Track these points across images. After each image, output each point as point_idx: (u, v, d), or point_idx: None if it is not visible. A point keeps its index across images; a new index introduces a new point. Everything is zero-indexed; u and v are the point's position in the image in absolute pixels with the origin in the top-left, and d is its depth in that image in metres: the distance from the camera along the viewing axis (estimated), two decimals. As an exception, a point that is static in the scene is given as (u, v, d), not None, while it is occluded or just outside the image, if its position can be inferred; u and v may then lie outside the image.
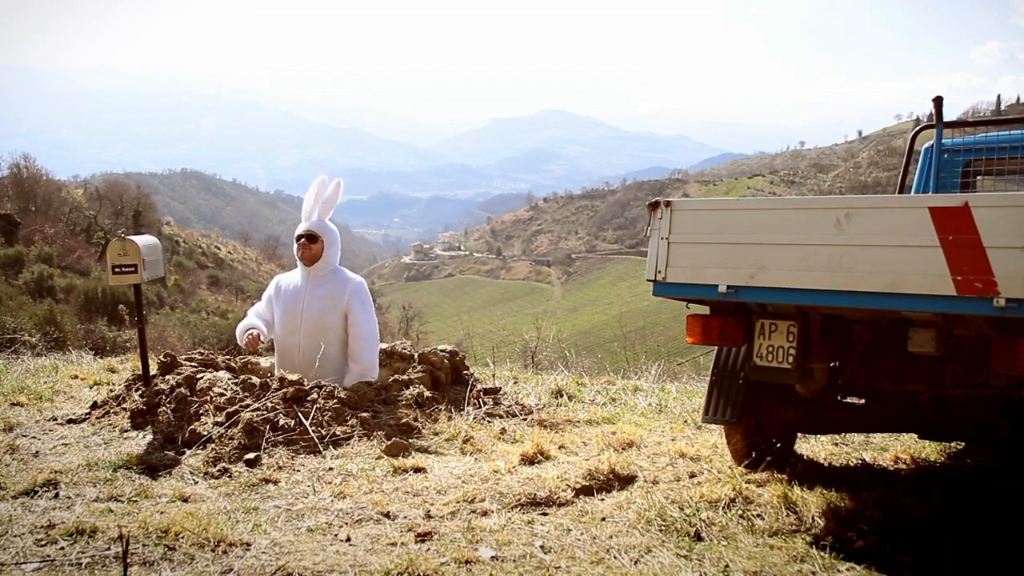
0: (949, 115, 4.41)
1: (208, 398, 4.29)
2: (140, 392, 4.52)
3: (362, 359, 4.75)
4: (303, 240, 4.82)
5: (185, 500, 3.28)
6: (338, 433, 4.07)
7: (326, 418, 4.14)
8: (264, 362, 5.07)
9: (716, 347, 3.72)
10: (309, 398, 4.27)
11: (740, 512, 3.08)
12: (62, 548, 2.68)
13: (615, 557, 2.72)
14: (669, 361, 8.79)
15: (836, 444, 4.38)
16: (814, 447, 4.29)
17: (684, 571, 2.61)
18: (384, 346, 5.28)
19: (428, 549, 2.76)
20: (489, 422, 4.56)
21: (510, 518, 3.12)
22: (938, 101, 4.18)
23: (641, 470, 3.71)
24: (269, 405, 4.18)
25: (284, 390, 4.30)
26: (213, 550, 2.68)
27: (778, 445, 3.89)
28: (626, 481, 3.56)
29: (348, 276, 4.92)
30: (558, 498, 3.33)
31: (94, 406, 4.64)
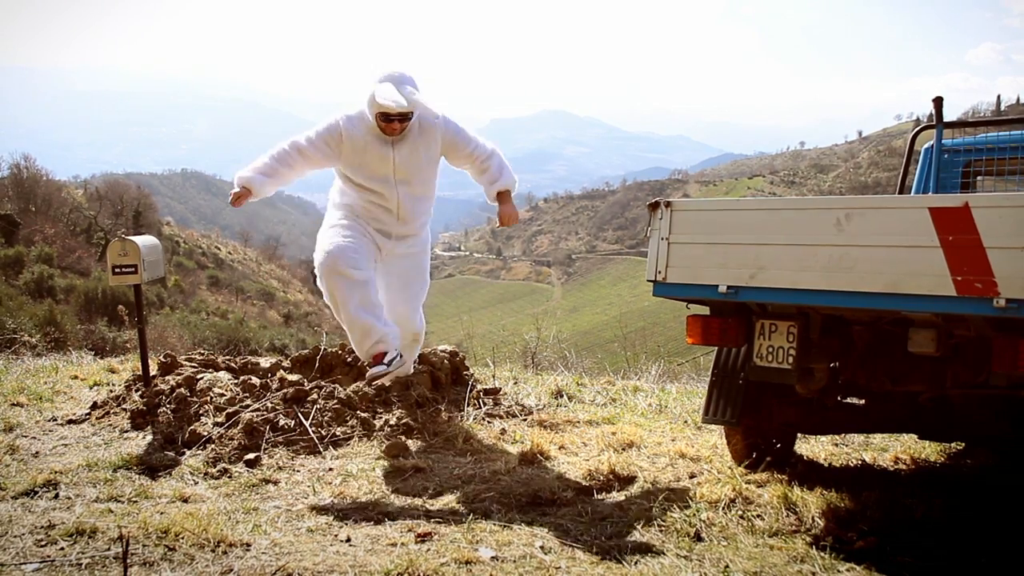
0: (949, 115, 4.41)
1: (208, 398, 4.29)
2: (140, 392, 4.52)
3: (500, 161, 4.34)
4: (395, 121, 3.99)
5: (185, 500, 3.28)
6: (338, 433, 4.07)
7: (326, 418, 4.14)
8: (264, 362, 5.07)
9: (716, 347, 3.72)
10: (309, 398, 4.27)
11: (740, 512, 3.09)
12: (62, 548, 2.68)
13: (615, 557, 2.72)
14: (669, 361, 8.78)
15: (836, 444, 4.38)
16: (814, 447, 4.29)
17: (684, 571, 2.61)
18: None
19: (428, 549, 2.76)
20: (489, 422, 4.56)
21: (510, 518, 3.12)
22: (938, 101, 4.19)
23: (641, 470, 3.71)
24: (269, 405, 4.18)
25: (284, 390, 4.30)
26: (213, 550, 2.68)
27: (778, 445, 3.89)
28: (626, 481, 3.56)
29: (432, 115, 4.14)
30: (558, 498, 3.33)
31: (94, 406, 4.64)
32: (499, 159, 4.34)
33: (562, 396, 5.56)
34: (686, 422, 4.86)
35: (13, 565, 2.54)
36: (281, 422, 4.06)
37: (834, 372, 3.42)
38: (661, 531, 2.95)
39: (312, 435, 4.00)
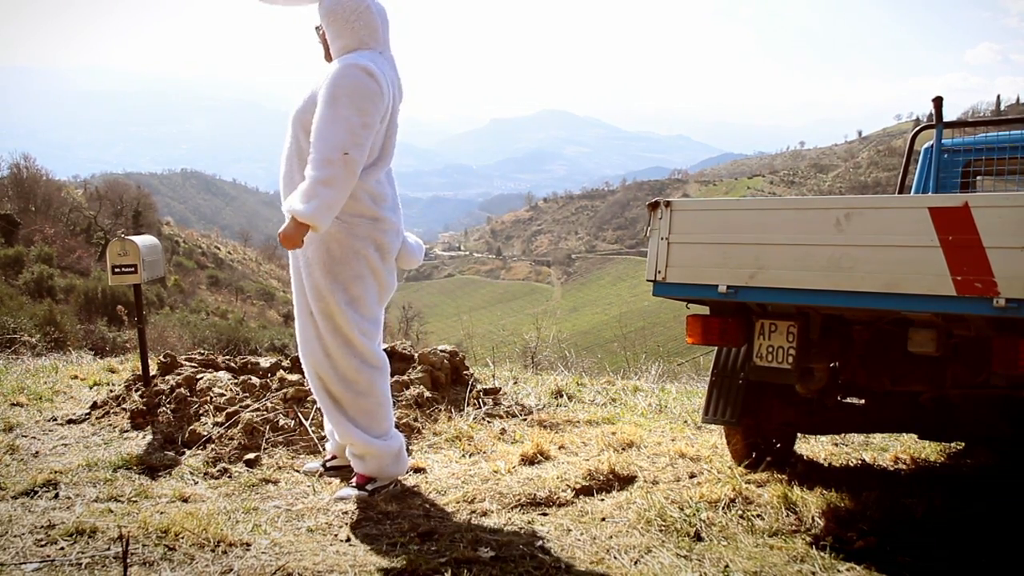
0: (949, 115, 4.41)
1: (208, 398, 4.29)
2: (140, 392, 4.52)
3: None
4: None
5: (185, 500, 3.28)
6: (338, 433, 4.07)
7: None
8: (264, 362, 5.06)
9: (716, 347, 3.72)
10: (309, 398, 4.27)
11: (740, 512, 3.08)
12: (62, 548, 2.68)
13: (615, 557, 2.72)
14: (669, 361, 8.79)
15: (836, 444, 4.38)
16: (814, 447, 4.29)
17: (684, 571, 2.61)
18: (384, 346, 5.27)
19: (428, 549, 2.76)
20: (489, 422, 4.56)
21: (510, 518, 3.12)
22: (938, 101, 4.19)
23: (641, 470, 3.71)
24: (269, 405, 4.18)
25: (284, 390, 4.30)
26: (213, 550, 2.68)
27: (778, 445, 3.89)
28: (626, 481, 3.56)
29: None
30: (558, 498, 3.33)
31: (94, 406, 4.64)
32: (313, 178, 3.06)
33: (562, 396, 5.56)
34: (686, 422, 4.86)
35: (13, 565, 2.54)
36: (281, 422, 4.06)
37: (834, 372, 3.42)
38: (661, 531, 2.95)
39: (312, 435, 4.00)
